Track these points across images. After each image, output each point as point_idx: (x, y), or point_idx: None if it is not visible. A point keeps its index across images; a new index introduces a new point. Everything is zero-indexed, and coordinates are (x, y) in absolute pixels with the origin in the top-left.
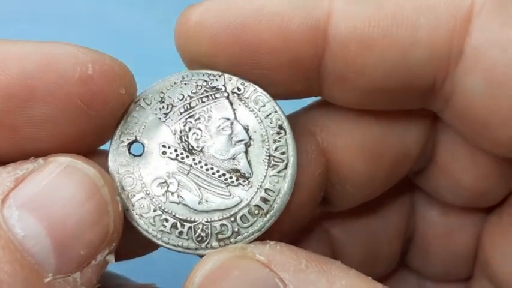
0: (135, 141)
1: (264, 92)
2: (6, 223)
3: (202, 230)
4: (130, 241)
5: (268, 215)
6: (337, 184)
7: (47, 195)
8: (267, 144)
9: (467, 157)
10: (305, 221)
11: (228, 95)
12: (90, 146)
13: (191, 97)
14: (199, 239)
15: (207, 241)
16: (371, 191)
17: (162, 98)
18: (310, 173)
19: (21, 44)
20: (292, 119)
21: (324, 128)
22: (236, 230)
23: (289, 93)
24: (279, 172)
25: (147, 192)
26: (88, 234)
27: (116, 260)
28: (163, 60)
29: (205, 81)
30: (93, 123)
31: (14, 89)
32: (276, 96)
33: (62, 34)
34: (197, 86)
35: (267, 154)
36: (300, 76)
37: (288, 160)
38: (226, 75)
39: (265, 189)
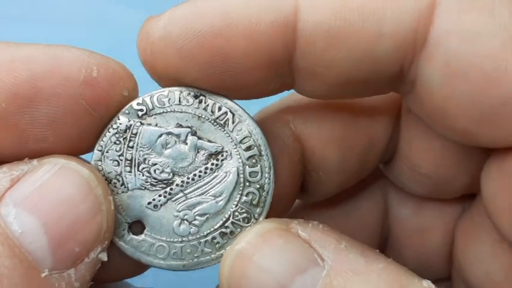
0: (130, 223)
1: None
2: (4, 220)
3: (242, 212)
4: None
5: (263, 155)
6: (312, 171)
7: (42, 194)
8: (203, 116)
9: (425, 144)
10: (288, 209)
11: (135, 122)
12: (91, 148)
13: (120, 155)
14: (245, 220)
15: (253, 217)
16: (344, 179)
17: (107, 178)
18: (289, 160)
19: (29, 46)
20: (267, 109)
21: (296, 116)
22: (259, 185)
23: (263, 93)
24: (233, 122)
25: (181, 240)
26: (83, 232)
27: (114, 280)
28: None
29: (116, 132)
30: (96, 124)
31: (20, 90)
32: (251, 97)
33: (62, 34)
34: (115, 143)
35: (211, 120)
36: (272, 75)
37: (227, 108)
38: (120, 113)
39: (240, 141)
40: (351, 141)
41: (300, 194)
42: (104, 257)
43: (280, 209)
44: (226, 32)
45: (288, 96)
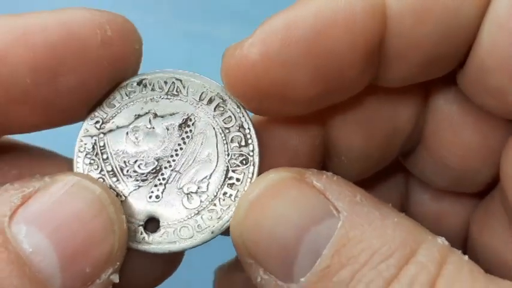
0: (144, 225)
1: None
2: (14, 238)
3: (237, 157)
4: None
5: (226, 99)
6: (333, 156)
7: (54, 212)
8: (155, 97)
9: (452, 137)
10: None
11: (98, 135)
12: None
13: (101, 171)
14: (244, 162)
15: (249, 155)
16: (366, 166)
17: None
18: (309, 143)
19: (39, 15)
20: None
21: None
22: (238, 126)
23: (356, 89)
24: (184, 87)
25: (198, 212)
26: (94, 251)
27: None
28: (162, 60)
29: (86, 154)
30: (116, 83)
31: (42, 62)
32: (345, 97)
33: None
34: (90, 164)
35: (163, 96)
36: (368, 65)
37: (172, 78)
38: (80, 136)
39: (199, 99)
40: (375, 127)
41: None
42: (116, 278)
43: None
44: (327, 31)
45: None
